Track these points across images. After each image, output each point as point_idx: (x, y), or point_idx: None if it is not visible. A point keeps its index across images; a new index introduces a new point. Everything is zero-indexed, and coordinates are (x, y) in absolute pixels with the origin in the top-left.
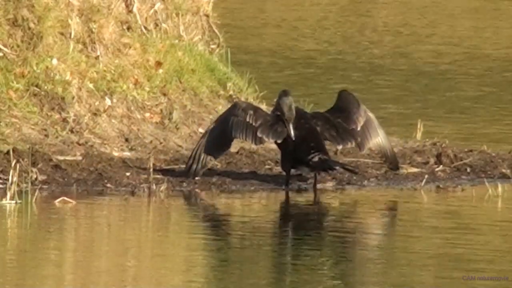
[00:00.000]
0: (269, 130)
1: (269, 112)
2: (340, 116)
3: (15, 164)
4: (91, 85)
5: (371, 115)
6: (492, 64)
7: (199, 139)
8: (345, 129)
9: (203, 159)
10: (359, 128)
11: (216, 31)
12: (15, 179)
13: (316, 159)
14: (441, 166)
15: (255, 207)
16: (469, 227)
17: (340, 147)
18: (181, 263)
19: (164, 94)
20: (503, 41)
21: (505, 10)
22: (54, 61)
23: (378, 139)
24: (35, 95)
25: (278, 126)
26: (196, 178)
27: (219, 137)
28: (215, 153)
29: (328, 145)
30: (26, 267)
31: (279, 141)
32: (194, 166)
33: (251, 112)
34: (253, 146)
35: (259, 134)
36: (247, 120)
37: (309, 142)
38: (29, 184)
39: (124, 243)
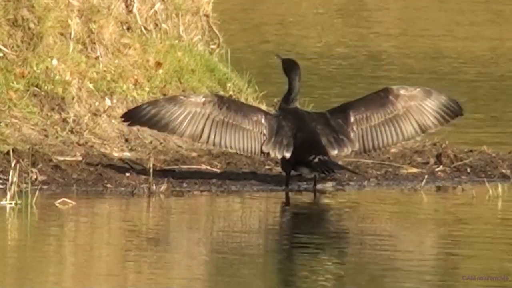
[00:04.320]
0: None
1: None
2: (340, 117)
3: (15, 164)
4: (91, 86)
5: (412, 103)
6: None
7: None
8: (344, 133)
9: None
10: (353, 132)
11: (216, 31)
12: (15, 179)
13: (316, 160)
14: (441, 166)
15: (254, 208)
16: (469, 227)
17: (335, 152)
18: (180, 264)
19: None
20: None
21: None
22: (54, 62)
23: (408, 129)
24: (35, 95)
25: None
26: None
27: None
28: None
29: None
30: (25, 268)
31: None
32: None
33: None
34: None
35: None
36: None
37: (309, 143)
38: (29, 184)
39: (124, 243)
